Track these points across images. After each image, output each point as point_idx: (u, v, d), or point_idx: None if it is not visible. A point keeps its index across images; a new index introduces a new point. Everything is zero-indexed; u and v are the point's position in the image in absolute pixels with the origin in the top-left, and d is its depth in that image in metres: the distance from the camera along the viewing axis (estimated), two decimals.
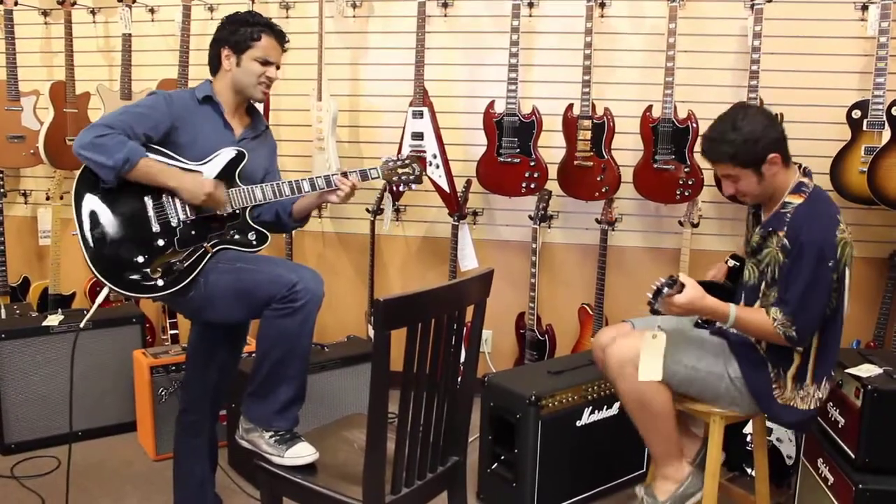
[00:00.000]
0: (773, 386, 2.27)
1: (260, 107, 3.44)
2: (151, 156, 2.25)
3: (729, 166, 2.25)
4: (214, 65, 2.41)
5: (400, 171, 2.51)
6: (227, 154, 2.34)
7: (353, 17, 3.94)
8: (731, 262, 2.50)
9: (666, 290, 2.15)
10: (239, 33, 2.35)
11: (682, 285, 2.18)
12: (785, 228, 2.21)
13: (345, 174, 2.42)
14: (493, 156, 3.57)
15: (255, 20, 2.38)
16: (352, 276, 4.16)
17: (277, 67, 2.43)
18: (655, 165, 3.38)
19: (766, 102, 3.29)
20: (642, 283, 2.28)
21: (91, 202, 2.24)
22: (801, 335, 2.18)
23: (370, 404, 1.81)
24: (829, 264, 2.14)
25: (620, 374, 2.33)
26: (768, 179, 2.26)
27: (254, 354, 2.25)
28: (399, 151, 3.66)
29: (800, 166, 2.32)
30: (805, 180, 2.27)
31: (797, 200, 2.23)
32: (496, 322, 3.89)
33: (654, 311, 2.16)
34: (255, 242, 2.38)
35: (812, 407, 2.28)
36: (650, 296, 2.16)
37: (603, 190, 3.48)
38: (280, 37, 2.42)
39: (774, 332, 2.19)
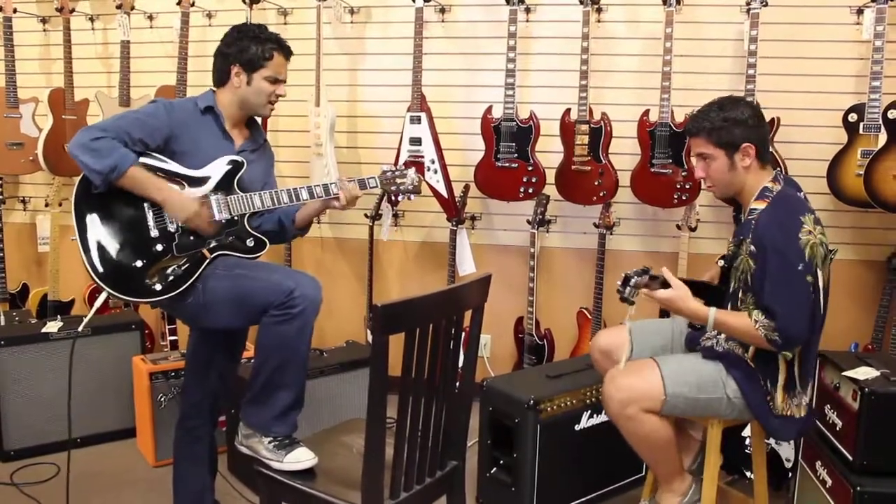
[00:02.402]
0: (768, 399, 2.25)
1: None
2: (146, 160, 2.26)
3: (704, 142, 2.28)
4: (221, 78, 2.40)
5: (398, 181, 2.52)
6: (225, 162, 2.35)
7: (351, 23, 3.95)
8: (722, 263, 2.50)
9: (635, 279, 2.17)
10: (250, 52, 2.34)
11: (665, 281, 2.23)
12: (750, 235, 2.22)
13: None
14: (491, 161, 3.58)
15: (265, 36, 2.37)
16: (350, 281, 4.17)
17: (285, 82, 2.44)
18: (653, 169, 3.39)
19: (763, 106, 3.26)
20: None
21: (90, 207, 2.25)
22: (787, 340, 2.15)
23: (369, 409, 1.81)
24: (800, 267, 2.13)
25: (622, 415, 2.30)
26: (739, 171, 2.27)
27: (252, 360, 2.26)
28: (397, 157, 3.67)
29: (778, 173, 2.32)
30: (770, 185, 2.27)
31: (761, 206, 2.24)
32: (495, 326, 3.89)
33: (623, 300, 2.18)
34: (253, 249, 2.38)
35: (804, 413, 2.28)
36: (619, 283, 2.18)
37: (601, 194, 3.49)
38: (289, 53, 2.43)
39: (757, 335, 2.17)
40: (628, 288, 2.17)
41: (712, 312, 2.23)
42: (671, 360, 2.36)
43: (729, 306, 2.34)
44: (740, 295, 2.30)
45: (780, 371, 2.25)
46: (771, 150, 3.23)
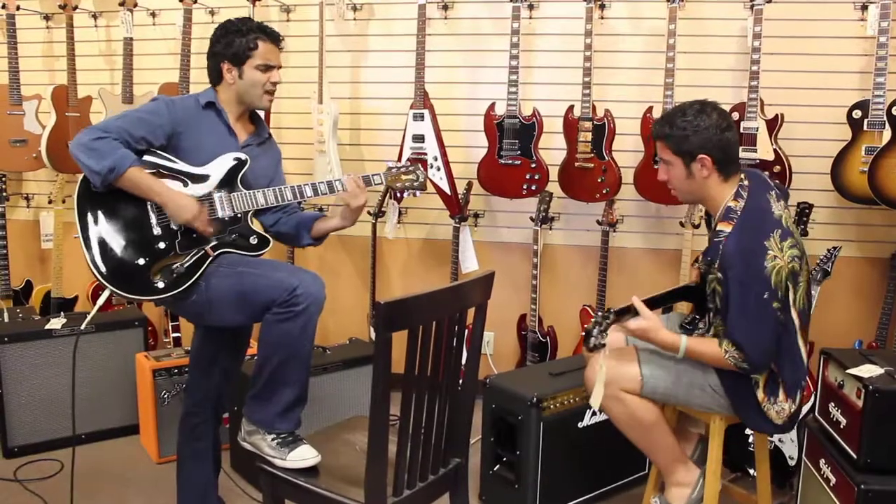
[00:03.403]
0: (755, 391, 2.25)
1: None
2: (149, 158, 2.26)
3: (663, 147, 2.28)
4: (215, 77, 2.40)
5: (403, 177, 2.52)
6: (229, 159, 2.35)
7: (354, 19, 3.95)
8: (698, 266, 2.51)
9: (597, 329, 2.19)
10: (235, 45, 2.34)
11: (635, 311, 2.22)
12: (718, 261, 2.20)
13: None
14: (494, 158, 3.57)
15: (248, 27, 2.36)
16: (353, 278, 4.17)
17: (279, 68, 2.43)
18: (656, 166, 3.37)
19: (767, 103, 3.29)
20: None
21: (93, 205, 2.25)
22: (754, 365, 2.17)
23: (372, 406, 1.81)
24: (765, 296, 2.12)
25: (602, 395, 2.32)
26: (698, 180, 2.26)
27: (256, 357, 2.26)
28: (400, 154, 3.67)
29: (740, 186, 2.27)
30: (732, 204, 2.23)
31: (727, 229, 2.20)
32: (498, 324, 3.89)
33: (593, 348, 2.21)
34: (256, 246, 2.38)
35: (783, 422, 2.27)
36: (583, 335, 2.21)
37: (604, 191, 3.48)
38: (275, 38, 2.41)
39: (727, 363, 2.18)
40: (592, 339, 2.19)
41: (684, 341, 2.23)
42: (650, 347, 2.37)
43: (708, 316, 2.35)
44: (711, 316, 2.31)
45: (761, 374, 2.25)
46: (775, 147, 3.24)
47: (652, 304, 2.31)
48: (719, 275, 2.19)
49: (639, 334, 2.25)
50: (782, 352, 2.23)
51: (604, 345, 2.20)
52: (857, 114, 3.21)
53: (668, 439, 2.37)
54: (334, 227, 2.52)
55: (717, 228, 2.23)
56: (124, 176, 2.20)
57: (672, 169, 2.29)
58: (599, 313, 2.23)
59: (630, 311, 2.25)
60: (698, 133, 2.21)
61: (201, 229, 2.29)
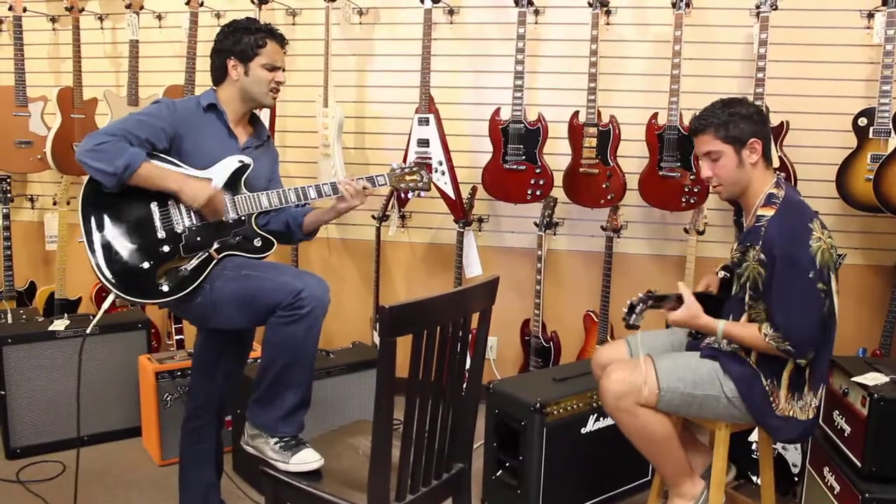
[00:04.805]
0: (770, 399, 2.24)
1: (266, 113, 3.46)
2: (154, 162, 2.26)
3: (711, 138, 2.28)
4: (219, 75, 2.41)
5: (408, 178, 2.53)
6: (232, 162, 2.35)
7: (360, 24, 3.96)
8: (722, 274, 2.50)
9: (640, 306, 2.21)
10: (243, 42, 2.35)
11: (681, 301, 2.25)
12: (760, 243, 2.21)
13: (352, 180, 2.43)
14: (499, 163, 3.57)
15: (256, 27, 2.39)
16: (357, 282, 4.17)
17: (283, 70, 2.44)
18: (661, 173, 3.38)
19: (772, 110, 3.28)
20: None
21: (97, 209, 2.25)
22: (799, 348, 2.16)
23: (375, 411, 1.81)
24: (811, 275, 2.13)
25: (617, 408, 2.32)
26: (747, 168, 2.28)
27: (259, 360, 2.26)
28: (405, 158, 3.67)
29: (779, 177, 2.33)
30: (774, 191, 2.27)
31: (769, 213, 2.23)
32: (501, 329, 3.89)
33: (629, 326, 2.21)
34: (260, 249, 2.38)
35: (811, 416, 2.27)
36: (625, 311, 2.22)
37: (608, 197, 3.48)
38: (281, 40, 2.44)
39: (768, 346, 2.18)
40: (634, 315, 2.21)
41: (721, 325, 2.26)
42: (667, 357, 2.38)
43: (731, 316, 2.34)
44: (748, 301, 2.29)
45: (786, 369, 2.24)
46: (780, 154, 3.24)
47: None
48: (762, 256, 2.20)
49: (680, 323, 2.29)
50: (826, 337, 2.22)
51: (638, 326, 2.23)
52: (862, 121, 3.20)
53: (677, 453, 2.36)
54: (327, 219, 2.52)
55: (759, 213, 2.26)
56: (138, 172, 2.20)
57: (722, 159, 2.29)
58: (640, 294, 2.23)
59: (668, 299, 2.26)
60: (745, 119, 2.25)
61: (215, 214, 2.29)
